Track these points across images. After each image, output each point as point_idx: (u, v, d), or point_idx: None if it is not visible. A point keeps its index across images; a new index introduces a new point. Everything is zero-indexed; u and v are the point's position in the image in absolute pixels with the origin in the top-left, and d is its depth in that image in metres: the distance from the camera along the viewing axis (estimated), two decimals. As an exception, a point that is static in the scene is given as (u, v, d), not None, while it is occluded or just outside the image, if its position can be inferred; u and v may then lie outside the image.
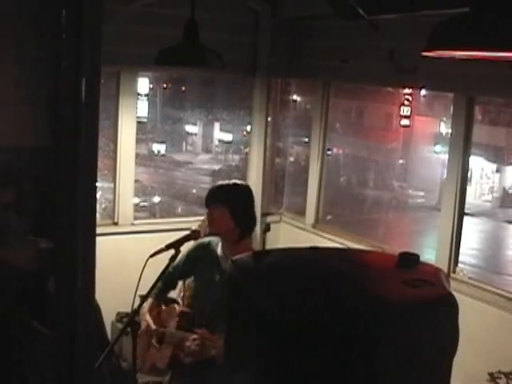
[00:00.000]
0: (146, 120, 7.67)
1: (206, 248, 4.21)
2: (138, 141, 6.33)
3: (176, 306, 4.24)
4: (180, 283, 4.53)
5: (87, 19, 1.33)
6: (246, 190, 4.28)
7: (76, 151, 1.50)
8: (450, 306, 2.03)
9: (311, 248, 2.32)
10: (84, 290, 1.69)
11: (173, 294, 4.55)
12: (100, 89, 1.47)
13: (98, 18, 1.37)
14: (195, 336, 3.90)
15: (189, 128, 9.49)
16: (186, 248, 4.15)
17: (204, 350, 3.84)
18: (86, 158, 1.51)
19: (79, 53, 1.36)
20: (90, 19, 1.34)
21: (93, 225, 1.69)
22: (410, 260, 2.18)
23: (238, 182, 4.35)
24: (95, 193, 1.68)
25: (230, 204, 4.03)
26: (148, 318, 4.12)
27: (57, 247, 1.72)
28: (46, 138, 1.68)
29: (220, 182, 4.27)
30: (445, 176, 5.46)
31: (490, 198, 11.42)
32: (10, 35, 1.55)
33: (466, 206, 5.36)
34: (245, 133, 7.32)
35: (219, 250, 4.13)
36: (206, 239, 4.22)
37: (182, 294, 4.61)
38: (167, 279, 4.25)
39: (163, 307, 4.25)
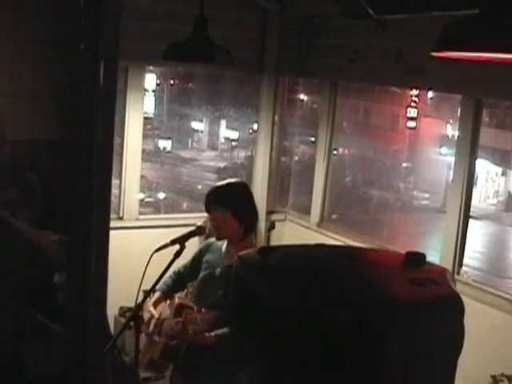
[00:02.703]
0: (152, 116, 7.66)
1: (211, 246, 4.23)
2: (144, 136, 6.34)
3: (176, 299, 4.25)
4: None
5: (106, 2, 1.33)
6: (242, 187, 4.29)
7: (91, 142, 1.50)
8: (456, 305, 2.03)
9: (317, 245, 2.33)
10: (96, 285, 1.69)
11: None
12: (117, 73, 1.46)
13: (116, 0, 1.36)
14: (178, 319, 3.91)
15: (195, 125, 9.49)
16: (194, 250, 4.19)
17: (186, 329, 3.84)
18: (101, 147, 1.51)
19: (98, 36, 1.35)
20: (109, 2, 1.33)
21: (106, 219, 1.69)
22: (416, 259, 2.18)
23: (231, 180, 4.33)
24: (110, 185, 1.68)
25: (230, 206, 4.04)
26: (152, 309, 4.14)
27: (70, 241, 1.72)
28: (61, 131, 1.68)
29: (215, 185, 4.26)
30: (450, 178, 5.45)
31: (494, 201, 11.38)
32: (26, 25, 1.55)
33: (471, 209, 5.35)
34: (251, 131, 7.31)
35: (223, 247, 4.15)
36: (211, 239, 4.25)
37: (186, 291, 4.63)
38: (177, 278, 4.28)
39: (167, 302, 4.27)
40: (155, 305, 4.19)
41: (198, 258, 4.26)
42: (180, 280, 4.34)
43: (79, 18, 1.36)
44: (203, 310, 3.83)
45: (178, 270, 4.30)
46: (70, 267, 1.71)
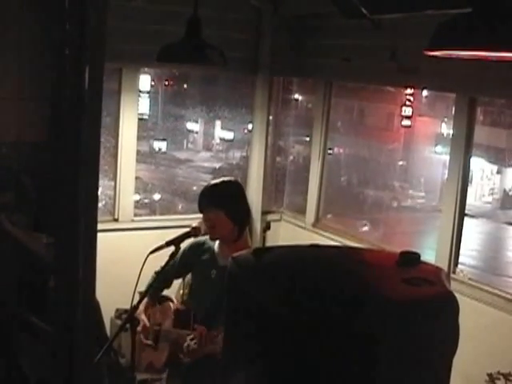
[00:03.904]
0: (147, 117, 7.66)
1: (202, 246, 4.20)
2: (139, 138, 6.32)
3: (171, 303, 4.23)
4: (179, 281, 4.52)
5: (91, 6, 1.32)
6: (236, 187, 4.26)
7: (78, 145, 1.49)
8: (451, 305, 2.03)
9: (312, 245, 2.32)
10: (84, 286, 1.68)
11: (171, 293, 4.55)
12: (103, 79, 1.46)
13: (102, 4, 1.36)
14: (192, 335, 3.88)
15: (190, 126, 9.48)
16: (182, 247, 4.15)
17: (202, 347, 3.82)
18: (88, 150, 1.50)
19: (83, 41, 1.35)
20: (95, 6, 1.33)
21: (94, 221, 1.69)
22: (410, 259, 2.18)
23: (225, 179, 4.30)
24: (97, 187, 1.68)
25: (225, 206, 4.02)
26: (143, 317, 4.11)
27: (58, 243, 1.72)
28: (48, 133, 1.67)
29: (208, 185, 4.22)
30: (445, 177, 5.45)
31: (490, 199, 11.40)
32: (12, 27, 1.54)
33: (466, 207, 5.35)
34: (246, 131, 7.31)
35: (216, 248, 4.13)
36: (202, 238, 4.21)
37: (180, 291, 4.62)
38: (161, 278, 4.23)
39: (158, 305, 4.25)
40: (146, 310, 4.16)
41: (187, 257, 4.21)
42: (166, 279, 4.29)
43: (64, 22, 1.36)
44: (220, 327, 3.77)
45: (164, 270, 4.24)
46: (58, 269, 1.71)
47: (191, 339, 3.86)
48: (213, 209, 4.03)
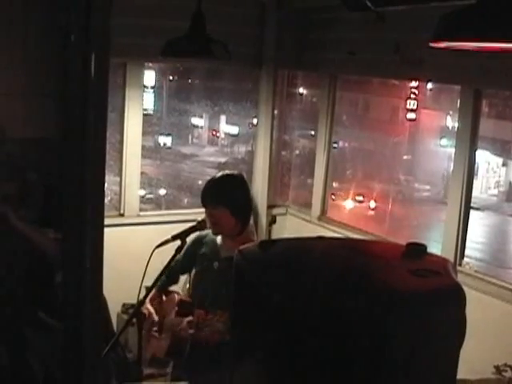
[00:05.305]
0: (152, 112, 7.65)
1: (205, 239, 4.21)
2: (144, 133, 6.34)
3: (176, 295, 4.25)
4: (185, 277, 4.54)
5: (96, 1, 1.32)
6: (240, 182, 4.25)
7: (84, 140, 1.49)
8: (458, 296, 2.03)
9: (318, 238, 2.32)
10: (91, 281, 1.69)
11: (178, 288, 4.56)
12: (109, 66, 1.46)
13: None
14: (189, 319, 3.89)
15: (195, 120, 9.47)
16: (187, 241, 4.17)
17: (199, 331, 3.83)
18: (94, 145, 1.50)
19: (88, 29, 1.35)
20: (99, 0, 1.33)
21: (101, 216, 1.69)
22: (417, 250, 2.17)
23: (229, 173, 4.30)
24: (103, 182, 1.68)
25: (227, 203, 4.02)
26: (149, 306, 4.13)
27: (65, 238, 1.72)
28: (53, 128, 1.68)
29: (212, 180, 4.20)
30: (451, 170, 5.45)
31: (496, 192, 11.36)
32: (17, 22, 1.55)
33: (472, 200, 5.34)
34: (251, 125, 7.31)
35: (219, 240, 4.14)
36: (204, 231, 4.21)
37: (187, 285, 4.63)
38: (169, 273, 4.26)
39: (164, 298, 4.27)
40: (151, 302, 4.18)
41: (190, 251, 4.23)
42: (173, 274, 4.32)
43: (68, 10, 1.36)
44: (218, 311, 3.79)
45: (171, 266, 4.27)
46: (64, 264, 1.71)
47: (188, 322, 3.87)
48: (215, 206, 4.03)
